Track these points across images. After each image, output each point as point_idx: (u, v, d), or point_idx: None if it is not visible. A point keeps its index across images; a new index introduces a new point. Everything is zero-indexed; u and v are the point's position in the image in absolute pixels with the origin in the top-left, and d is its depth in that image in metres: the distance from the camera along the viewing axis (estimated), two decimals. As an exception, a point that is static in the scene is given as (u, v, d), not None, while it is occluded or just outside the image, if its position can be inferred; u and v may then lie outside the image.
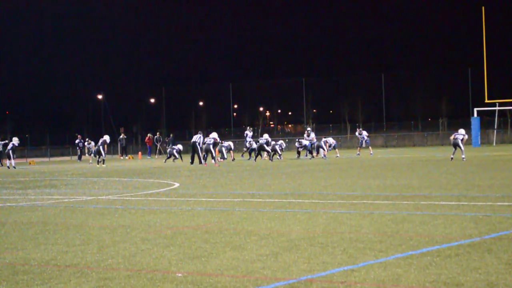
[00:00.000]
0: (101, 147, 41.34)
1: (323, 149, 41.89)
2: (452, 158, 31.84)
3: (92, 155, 47.79)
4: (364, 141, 45.86)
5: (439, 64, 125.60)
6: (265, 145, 40.34)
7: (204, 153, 36.40)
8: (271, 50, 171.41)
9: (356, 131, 49.66)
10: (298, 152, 43.74)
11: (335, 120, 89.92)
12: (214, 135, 36.36)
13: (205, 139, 36.64)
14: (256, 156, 41.84)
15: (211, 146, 35.31)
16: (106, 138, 42.41)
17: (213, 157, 35.41)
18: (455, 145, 31.88)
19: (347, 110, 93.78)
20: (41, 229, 11.71)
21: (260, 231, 10.60)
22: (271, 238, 9.86)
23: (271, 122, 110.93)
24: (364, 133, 46.41)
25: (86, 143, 54.80)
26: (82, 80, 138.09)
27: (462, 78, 75.13)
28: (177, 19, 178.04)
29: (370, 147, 46.71)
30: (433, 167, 26.70)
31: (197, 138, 38.56)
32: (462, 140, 31.67)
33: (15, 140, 43.50)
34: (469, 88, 71.38)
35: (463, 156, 31.60)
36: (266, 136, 41.19)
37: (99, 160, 41.71)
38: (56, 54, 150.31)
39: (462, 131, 32.46)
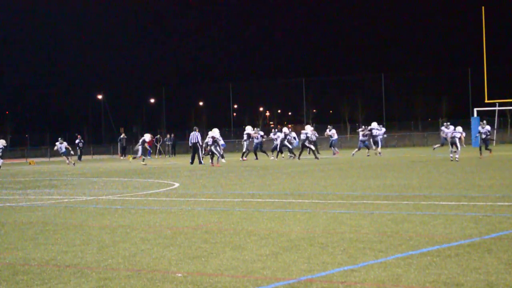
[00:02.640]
0: (140, 147, 41.32)
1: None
2: (452, 158, 31.34)
3: (64, 156, 46.04)
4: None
5: (439, 64, 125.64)
6: (306, 142, 38.20)
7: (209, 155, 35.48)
8: (271, 50, 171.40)
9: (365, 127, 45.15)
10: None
11: (335, 120, 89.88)
12: (213, 133, 35.08)
13: (206, 139, 35.98)
14: (300, 154, 39.09)
15: (213, 147, 34.56)
16: (146, 137, 42.26)
17: (211, 158, 35.03)
18: (453, 143, 31.26)
19: (347, 110, 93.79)
20: (41, 229, 11.72)
21: (260, 231, 10.60)
22: (271, 238, 9.86)
23: (271, 122, 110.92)
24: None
25: (57, 143, 47.21)
26: (82, 80, 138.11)
27: (462, 78, 75.15)
28: (177, 19, 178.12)
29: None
30: (433, 167, 26.70)
31: (194, 137, 38.20)
32: (460, 138, 31.14)
33: (2, 143, 43.02)
34: (469, 88, 71.40)
35: (457, 156, 30.97)
36: (308, 128, 39.24)
37: (136, 156, 42.10)
38: (56, 54, 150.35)
39: (459, 128, 31.88)
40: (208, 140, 35.00)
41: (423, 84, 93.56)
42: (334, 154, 43.59)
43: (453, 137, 31.23)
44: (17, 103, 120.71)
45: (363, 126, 42.77)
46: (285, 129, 41.81)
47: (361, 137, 41.45)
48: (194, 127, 39.78)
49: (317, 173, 25.21)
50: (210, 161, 35.14)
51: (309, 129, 39.21)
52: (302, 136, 38.81)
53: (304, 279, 7.19)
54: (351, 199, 15.15)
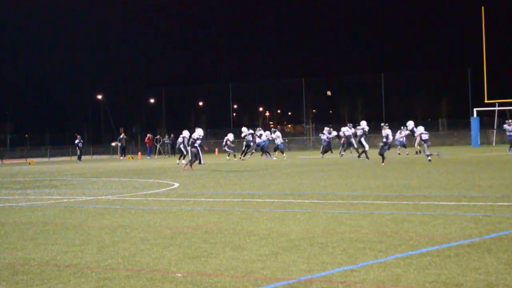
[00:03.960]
0: (230, 145, 41.83)
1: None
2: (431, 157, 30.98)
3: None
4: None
5: (439, 64, 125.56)
6: (363, 138, 36.13)
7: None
8: (271, 50, 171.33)
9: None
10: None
11: (334, 120, 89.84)
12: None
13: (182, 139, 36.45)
14: (361, 152, 36.71)
15: (189, 148, 33.73)
16: (230, 136, 42.45)
17: (183, 158, 34.46)
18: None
19: (347, 110, 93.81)
20: (41, 229, 11.72)
21: (259, 231, 10.60)
22: (271, 238, 9.86)
23: (271, 122, 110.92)
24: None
25: None
26: (82, 80, 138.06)
27: (462, 78, 75.09)
28: (177, 19, 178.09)
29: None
30: (433, 167, 26.69)
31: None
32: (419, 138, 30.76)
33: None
34: (468, 88, 71.36)
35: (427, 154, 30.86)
36: (364, 123, 37.06)
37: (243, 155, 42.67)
38: (56, 54, 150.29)
39: (421, 128, 31.41)
40: (186, 140, 35.08)
41: (423, 84, 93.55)
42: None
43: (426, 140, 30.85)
44: (17, 103, 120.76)
45: (402, 127, 41.91)
46: (344, 129, 40.61)
47: (397, 136, 41.26)
48: (196, 128, 39.73)
49: (317, 173, 25.21)
50: (183, 161, 35.45)
51: (365, 124, 37.55)
52: (359, 132, 36.93)
53: (304, 279, 7.19)
54: (351, 199, 15.16)
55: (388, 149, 32.01)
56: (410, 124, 40.64)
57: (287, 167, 30.69)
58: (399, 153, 41.78)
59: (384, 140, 30.31)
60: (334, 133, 43.22)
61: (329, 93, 39.67)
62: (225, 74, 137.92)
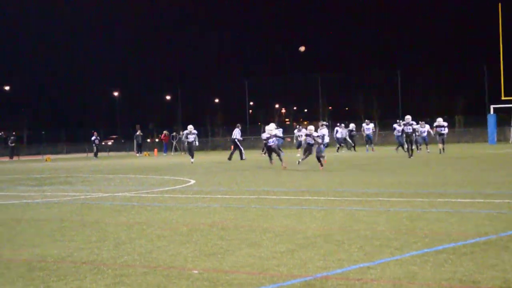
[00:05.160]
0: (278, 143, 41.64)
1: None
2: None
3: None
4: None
5: (455, 61, 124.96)
6: (416, 134, 34.19)
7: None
8: (287, 47, 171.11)
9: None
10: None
11: (350, 117, 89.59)
12: (269, 127, 30.54)
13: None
14: (412, 151, 33.67)
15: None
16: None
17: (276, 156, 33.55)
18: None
19: (363, 107, 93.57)
20: (58, 226, 11.78)
21: (276, 228, 10.61)
22: (287, 235, 9.87)
23: (287, 119, 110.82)
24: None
25: None
26: (98, 77, 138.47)
27: (478, 75, 74.71)
28: (193, 16, 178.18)
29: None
30: (448, 164, 26.61)
31: (235, 133, 38.22)
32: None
33: None
34: (485, 85, 70.99)
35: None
36: (409, 118, 34.88)
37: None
38: (72, 51, 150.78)
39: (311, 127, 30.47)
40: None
41: (439, 81, 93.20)
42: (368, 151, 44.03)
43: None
44: (33, 100, 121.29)
45: (399, 120, 41.71)
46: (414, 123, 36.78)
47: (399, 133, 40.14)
48: (237, 124, 39.67)
49: (332, 170, 25.15)
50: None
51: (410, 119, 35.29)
52: (408, 129, 34.52)
53: (320, 276, 7.20)
54: (366, 196, 15.14)
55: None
56: (439, 121, 40.65)
57: (302, 164, 30.62)
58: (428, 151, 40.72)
59: (320, 140, 27.08)
60: (372, 125, 43.62)
61: (302, 48, 38.93)
62: (240, 71, 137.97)
